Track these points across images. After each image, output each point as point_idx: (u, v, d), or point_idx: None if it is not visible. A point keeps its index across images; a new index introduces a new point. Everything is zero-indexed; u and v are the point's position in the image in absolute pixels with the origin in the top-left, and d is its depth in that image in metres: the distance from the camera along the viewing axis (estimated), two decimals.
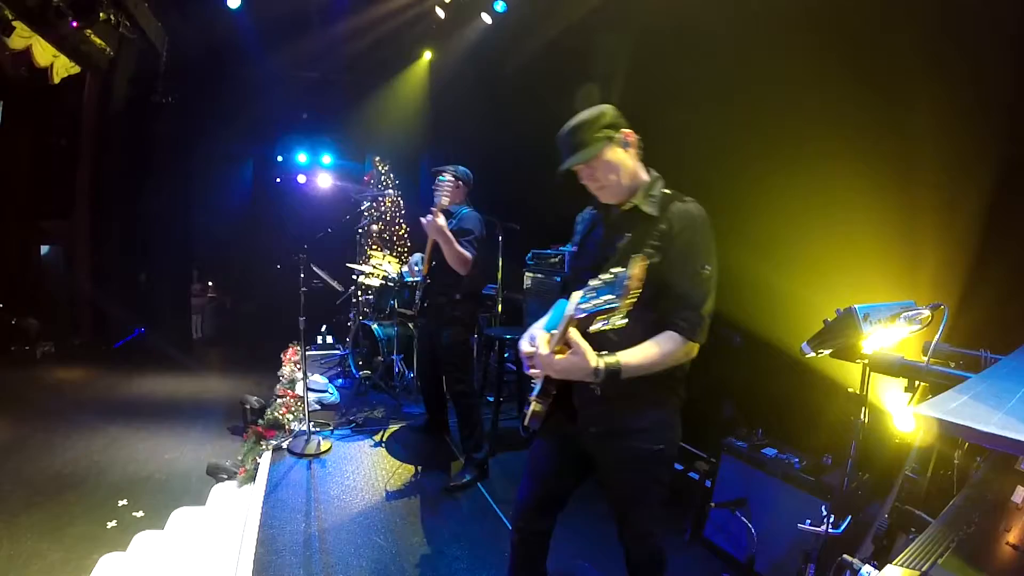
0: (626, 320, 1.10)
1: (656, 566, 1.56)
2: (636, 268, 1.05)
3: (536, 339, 1.36)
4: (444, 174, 2.93)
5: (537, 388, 1.44)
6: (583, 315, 1.16)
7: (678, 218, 1.35)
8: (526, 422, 1.48)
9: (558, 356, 1.27)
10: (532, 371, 1.43)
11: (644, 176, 1.46)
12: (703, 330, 1.34)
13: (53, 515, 2.55)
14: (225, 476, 2.95)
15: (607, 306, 1.09)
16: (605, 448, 1.47)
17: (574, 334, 1.21)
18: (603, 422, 1.44)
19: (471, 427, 3.03)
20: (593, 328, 1.18)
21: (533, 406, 1.44)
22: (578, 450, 1.52)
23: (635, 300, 1.07)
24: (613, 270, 1.10)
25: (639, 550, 1.55)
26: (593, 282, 1.14)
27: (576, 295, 1.20)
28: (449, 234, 2.72)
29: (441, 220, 2.68)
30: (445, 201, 2.71)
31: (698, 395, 1.54)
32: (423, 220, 2.74)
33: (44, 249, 6.37)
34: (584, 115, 1.42)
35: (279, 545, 2.34)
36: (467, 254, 2.78)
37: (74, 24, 4.46)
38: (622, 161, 1.41)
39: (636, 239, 1.38)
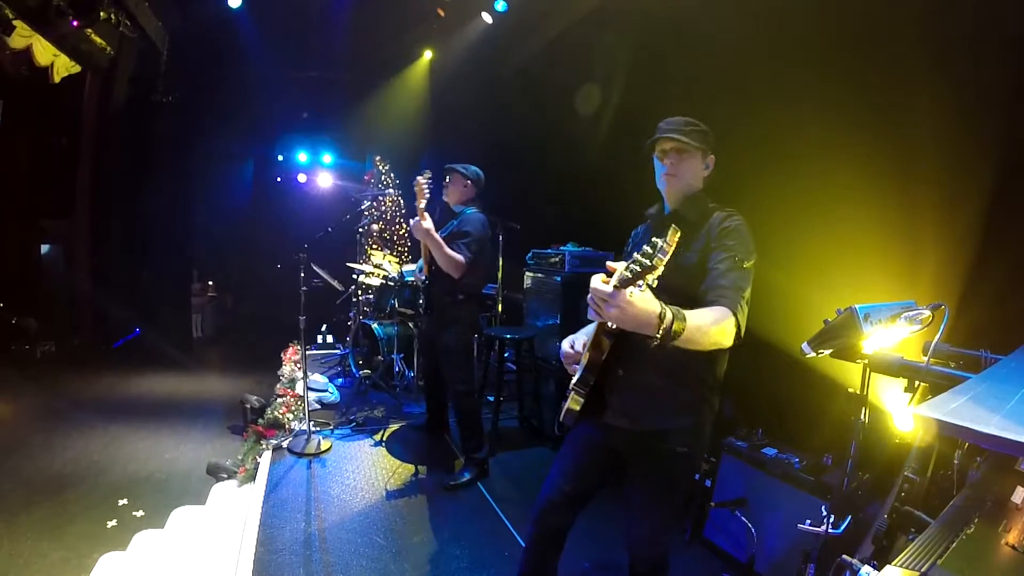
0: (656, 282, 1.12)
1: (659, 572, 1.56)
2: (672, 236, 1.08)
3: (594, 278, 1.24)
4: (453, 172, 2.95)
5: (576, 377, 1.45)
6: (628, 273, 1.12)
7: (719, 223, 1.44)
8: (561, 418, 1.49)
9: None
10: (573, 366, 1.49)
11: (699, 191, 1.57)
12: (743, 314, 1.34)
13: (53, 515, 2.55)
14: (225, 475, 2.95)
15: (644, 266, 1.08)
16: (634, 446, 1.49)
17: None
18: (634, 418, 1.46)
19: (472, 427, 3.03)
20: (629, 290, 1.14)
21: (570, 402, 1.45)
22: (608, 449, 1.54)
23: (665, 262, 1.08)
24: (653, 240, 1.10)
25: (645, 555, 1.55)
26: (636, 255, 1.12)
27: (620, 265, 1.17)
28: (437, 237, 2.70)
29: (427, 223, 2.65)
30: (422, 204, 2.66)
31: None
32: (410, 223, 2.72)
33: (44, 249, 6.37)
34: (696, 121, 1.53)
35: (279, 544, 2.34)
36: (458, 257, 2.75)
37: (74, 23, 4.46)
38: (699, 172, 1.55)
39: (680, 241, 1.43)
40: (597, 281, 1.17)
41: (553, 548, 1.66)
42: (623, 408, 1.48)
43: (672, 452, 1.46)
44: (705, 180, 1.58)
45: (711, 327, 1.25)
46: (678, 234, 1.07)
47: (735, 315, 1.31)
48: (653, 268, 1.06)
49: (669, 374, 1.43)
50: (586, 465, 1.59)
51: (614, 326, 1.27)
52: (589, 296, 1.20)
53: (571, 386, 1.45)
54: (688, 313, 1.21)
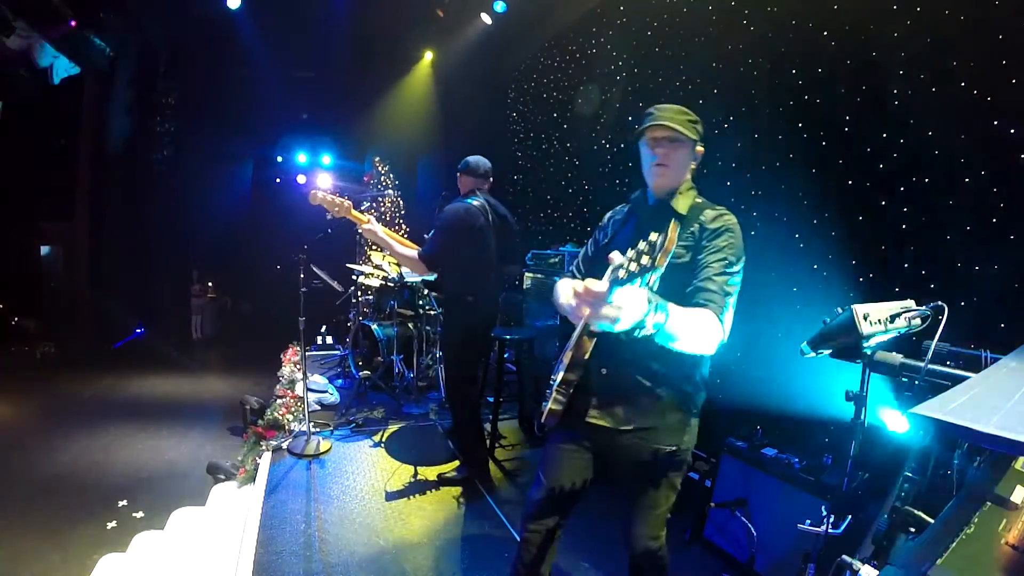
0: (658, 282, 1.13)
1: (659, 570, 1.56)
2: (672, 233, 1.04)
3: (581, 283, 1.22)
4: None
5: (557, 378, 1.41)
6: (623, 273, 1.07)
7: (710, 221, 1.41)
8: (543, 419, 1.47)
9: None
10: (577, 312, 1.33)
11: (687, 183, 1.54)
12: (728, 318, 1.32)
13: (53, 515, 2.55)
14: (225, 476, 2.95)
15: (645, 266, 1.04)
16: (619, 446, 1.48)
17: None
18: (618, 417, 1.45)
19: (470, 428, 3.02)
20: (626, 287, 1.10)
21: (551, 403, 1.43)
22: (592, 451, 1.53)
23: (666, 261, 1.05)
24: (651, 238, 1.05)
25: (644, 553, 1.54)
26: (633, 251, 1.08)
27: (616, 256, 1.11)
28: (383, 237, 2.60)
29: (368, 225, 2.55)
30: (333, 215, 2.51)
31: None
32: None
33: (44, 249, 6.37)
34: (688, 110, 1.49)
35: (279, 545, 2.34)
36: (408, 254, 2.62)
37: (74, 24, 4.47)
38: (689, 164, 1.51)
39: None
40: (592, 282, 1.12)
41: (545, 550, 1.63)
42: (606, 407, 1.46)
43: (660, 451, 1.43)
44: (692, 172, 1.54)
45: (694, 328, 1.24)
46: (678, 229, 1.04)
47: (720, 320, 1.29)
48: (655, 268, 1.02)
49: (653, 372, 1.41)
50: (569, 467, 1.56)
51: (596, 327, 1.19)
52: (568, 300, 1.21)
53: (553, 387, 1.41)
54: (673, 309, 1.19)
